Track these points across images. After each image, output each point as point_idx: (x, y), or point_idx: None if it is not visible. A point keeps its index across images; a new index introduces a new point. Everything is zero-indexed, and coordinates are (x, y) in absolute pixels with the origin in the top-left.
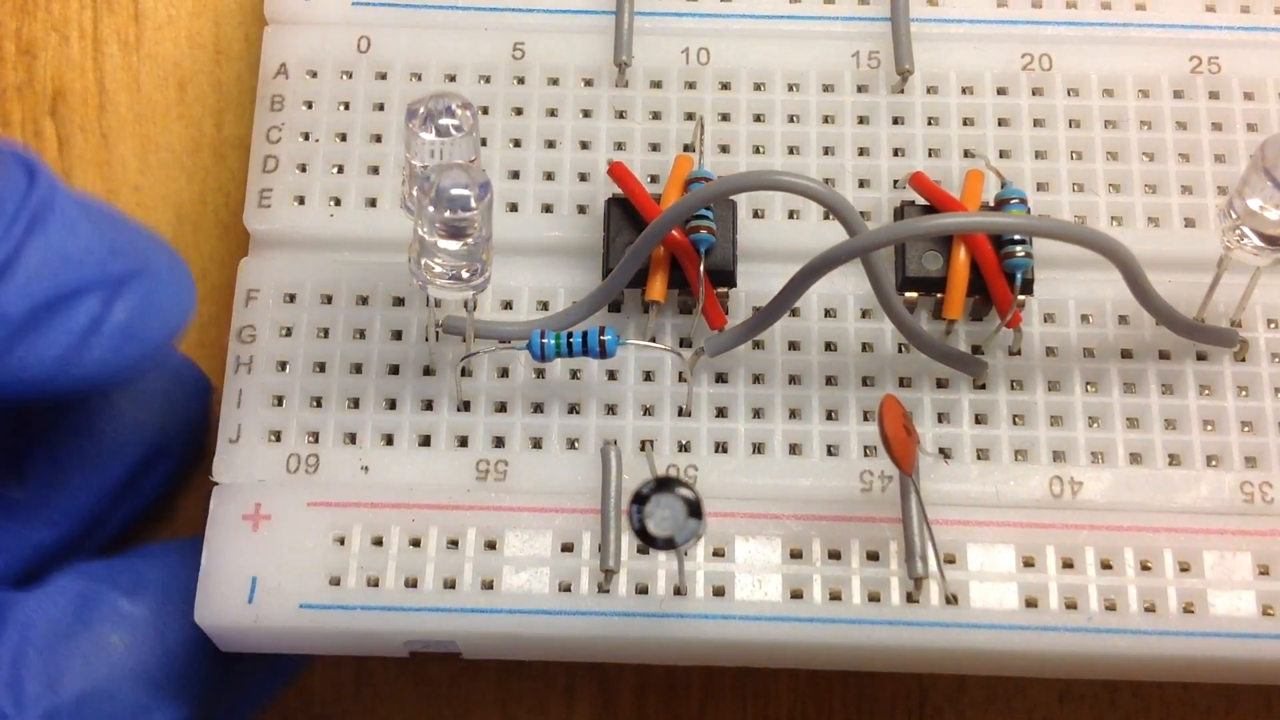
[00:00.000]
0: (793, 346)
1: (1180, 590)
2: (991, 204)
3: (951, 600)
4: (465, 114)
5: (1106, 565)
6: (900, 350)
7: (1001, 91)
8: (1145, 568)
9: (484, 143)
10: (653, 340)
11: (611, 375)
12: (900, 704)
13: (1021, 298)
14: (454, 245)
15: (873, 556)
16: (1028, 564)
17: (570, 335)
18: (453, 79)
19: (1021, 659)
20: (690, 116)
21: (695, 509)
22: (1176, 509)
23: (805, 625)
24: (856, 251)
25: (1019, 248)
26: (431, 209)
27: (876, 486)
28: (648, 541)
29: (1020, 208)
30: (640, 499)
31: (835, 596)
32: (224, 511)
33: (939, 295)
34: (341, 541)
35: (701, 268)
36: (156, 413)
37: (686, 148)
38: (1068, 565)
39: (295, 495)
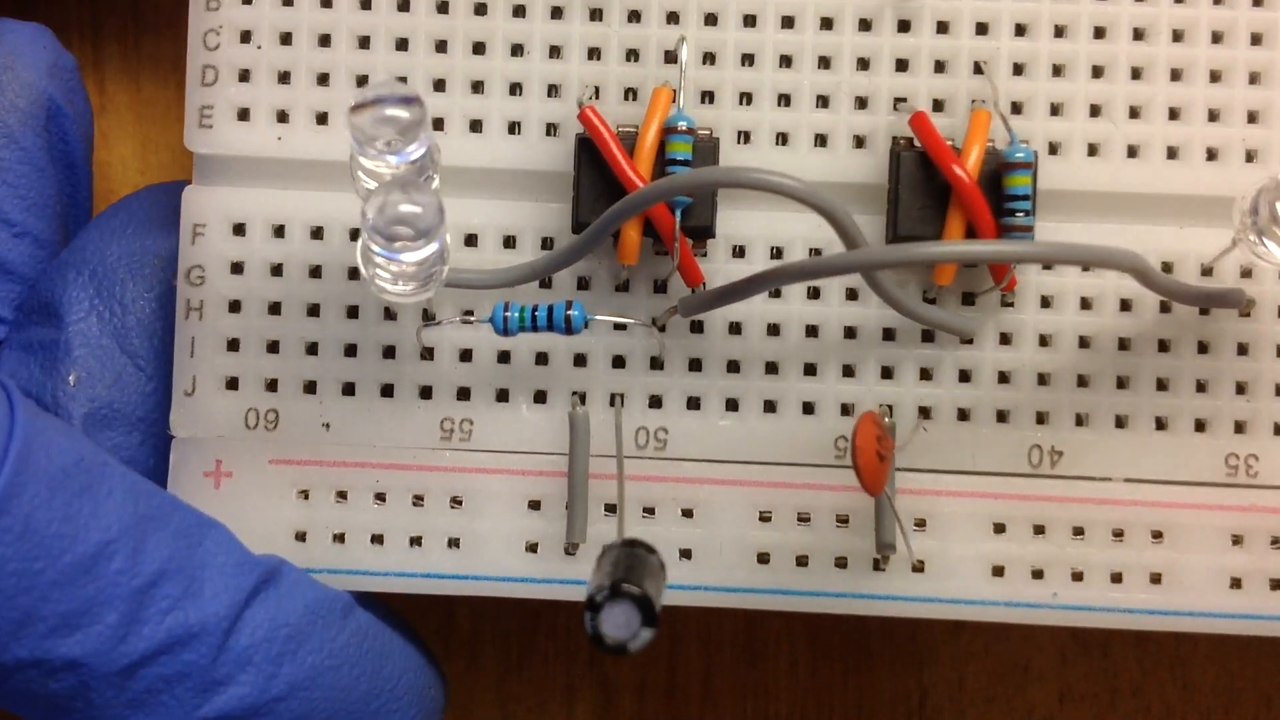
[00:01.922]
0: (774, 294)
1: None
2: (996, 147)
3: (918, 568)
4: (412, 115)
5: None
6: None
7: None
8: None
9: (443, 48)
10: (625, 286)
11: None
12: (900, 704)
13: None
14: (403, 269)
15: (843, 521)
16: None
17: (535, 309)
18: None
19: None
20: (673, 18)
21: (649, 616)
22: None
23: (768, 597)
24: (851, 269)
25: (1020, 215)
26: (379, 241)
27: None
28: (601, 647)
29: (1025, 173)
30: (593, 606)
31: (802, 562)
32: (185, 467)
33: None
34: (306, 496)
35: (678, 228)
36: None
37: (668, 57)
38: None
39: (256, 452)
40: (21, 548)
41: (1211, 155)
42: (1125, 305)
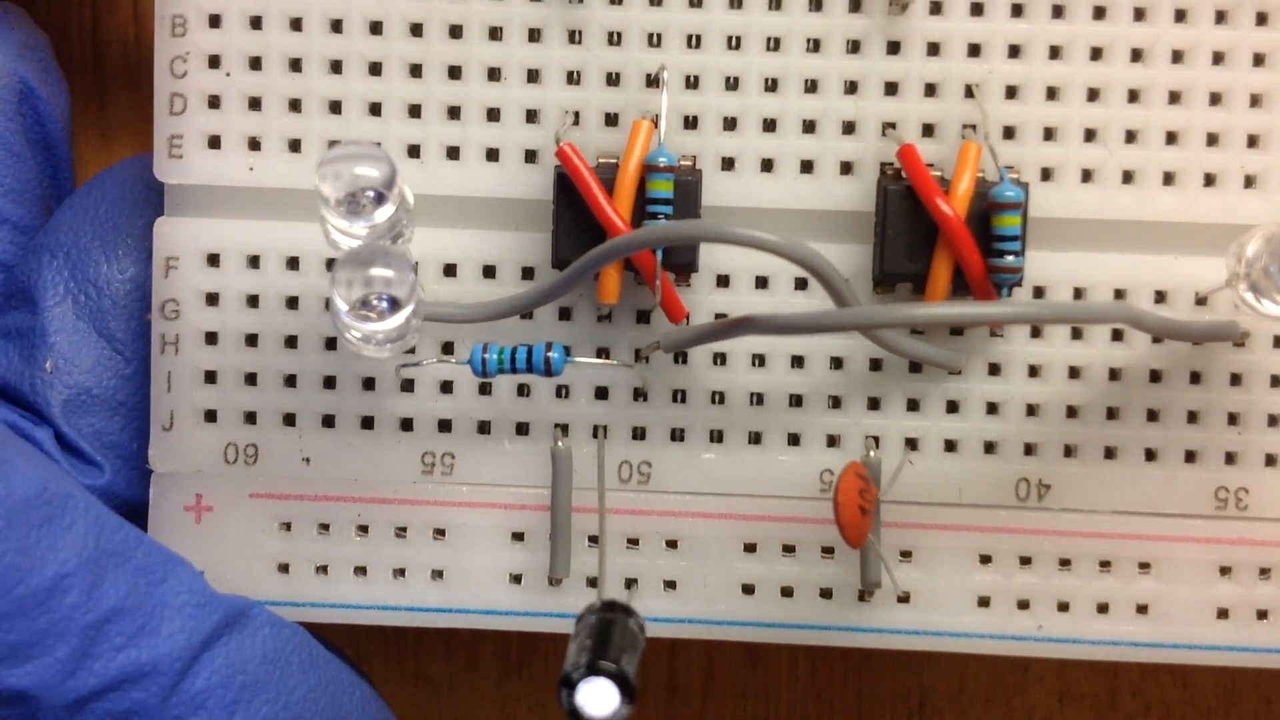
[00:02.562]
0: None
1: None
2: (987, 179)
3: (904, 599)
4: (382, 175)
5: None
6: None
7: (1017, 13)
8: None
9: (417, 72)
10: (608, 317)
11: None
12: (900, 705)
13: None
14: (369, 332)
15: (828, 552)
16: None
17: (515, 350)
18: None
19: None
20: (654, 41)
21: (628, 693)
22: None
23: (754, 629)
24: (841, 327)
25: (1009, 257)
26: (350, 320)
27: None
28: None
29: (1014, 213)
30: (569, 684)
31: (787, 594)
32: (164, 502)
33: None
34: (288, 529)
35: (659, 267)
36: None
37: (649, 81)
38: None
39: (236, 487)
40: None
41: (1209, 181)
42: (1117, 335)
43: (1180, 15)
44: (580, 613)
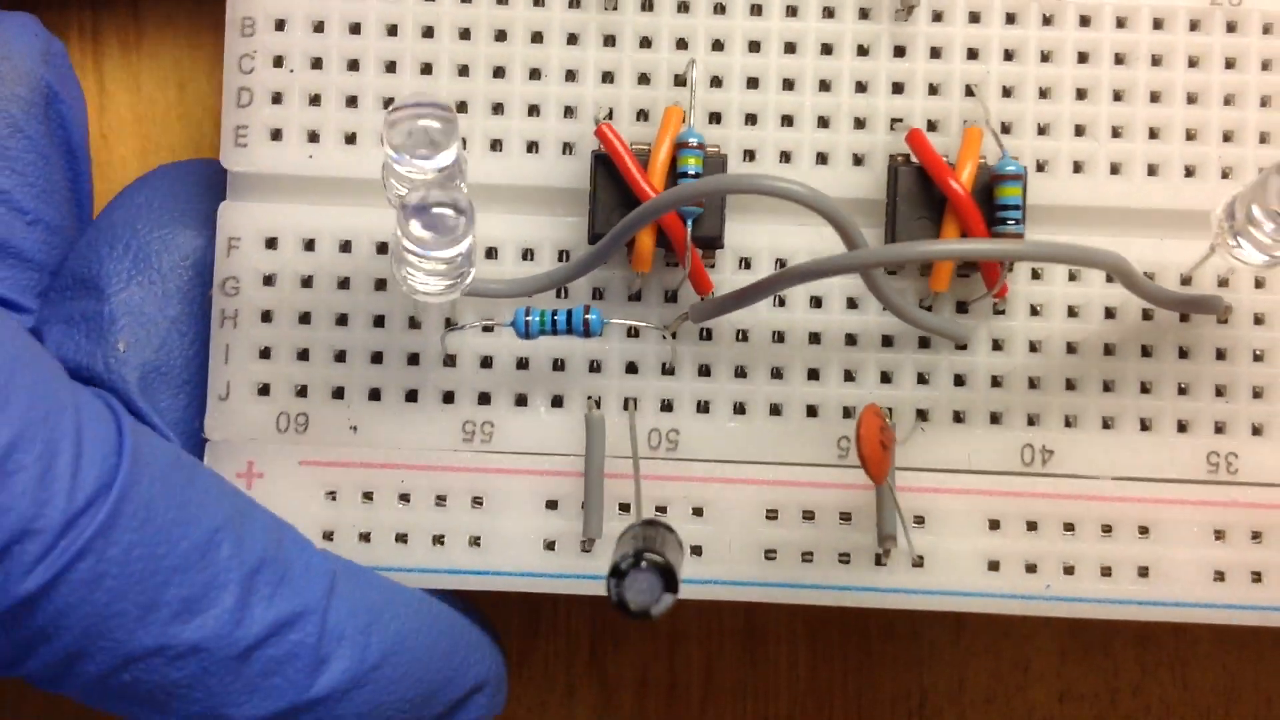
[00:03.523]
0: (778, 303)
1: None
2: (987, 163)
3: (918, 563)
4: (444, 124)
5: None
6: (884, 310)
7: (1011, 20)
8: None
9: (465, 72)
10: (638, 295)
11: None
12: (900, 704)
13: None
14: (435, 265)
15: (845, 517)
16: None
17: (555, 314)
18: None
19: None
20: (682, 44)
21: (671, 583)
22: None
23: (776, 590)
24: (855, 268)
25: (1010, 223)
26: (409, 236)
27: (854, 453)
28: (625, 613)
29: (1016, 184)
30: (618, 573)
31: (807, 558)
32: (218, 468)
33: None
34: (334, 497)
35: (689, 237)
36: None
37: (677, 80)
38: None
39: (287, 454)
40: (145, 534)
41: (1189, 172)
42: (1109, 313)
43: (1158, 23)
44: (623, 530)
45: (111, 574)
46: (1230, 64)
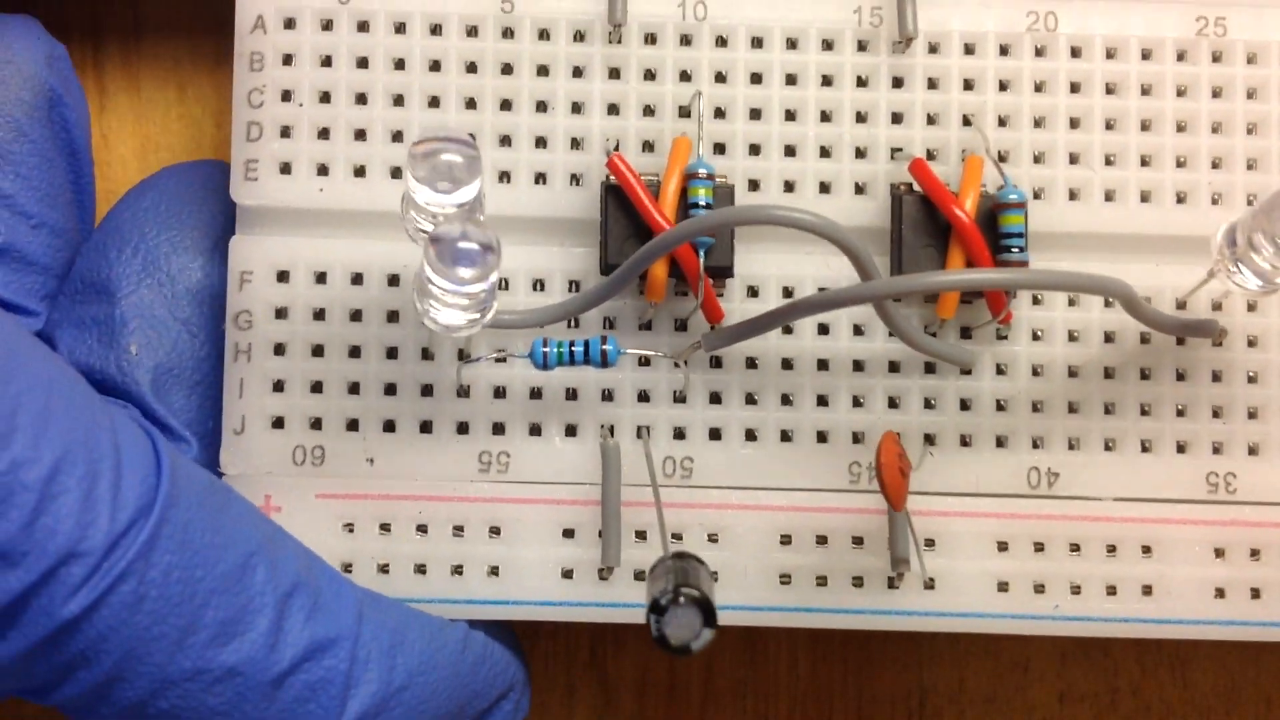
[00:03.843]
0: (786, 330)
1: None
2: (989, 191)
3: (929, 585)
4: (467, 159)
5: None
6: (890, 337)
7: (1004, 52)
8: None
9: (472, 105)
10: (648, 325)
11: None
12: (900, 705)
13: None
14: (460, 300)
15: (858, 542)
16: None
17: (573, 344)
18: (437, 30)
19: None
20: (685, 76)
21: (710, 617)
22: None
23: (791, 614)
24: (871, 298)
25: (1014, 250)
26: (438, 271)
27: (865, 478)
28: (666, 649)
29: (1019, 212)
30: (658, 609)
31: (821, 582)
32: None
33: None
34: (351, 529)
35: (701, 267)
36: None
37: (682, 111)
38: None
39: (304, 487)
40: (183, 556)
41: (1180, 198)
42: (1109, 337)
43: (1146, 54)
44: (653, 564)
45: (151, 596)
46: (1217, 93)
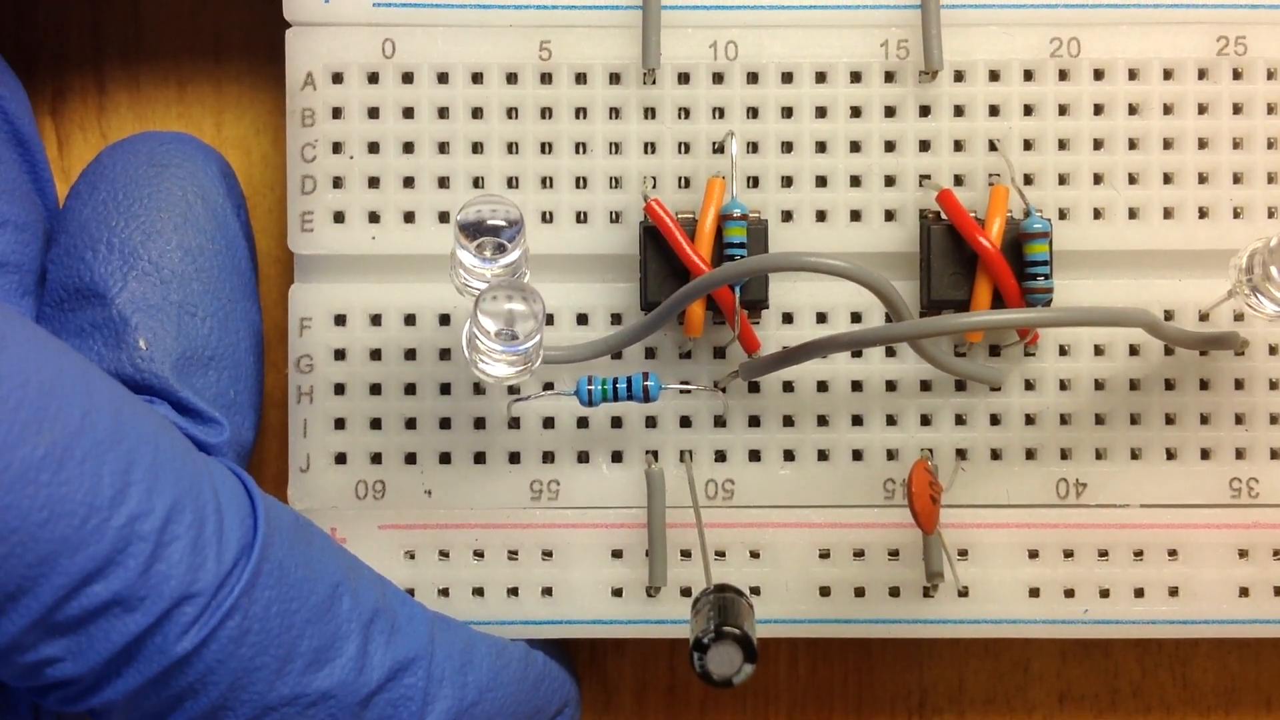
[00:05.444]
0: (821, 357)
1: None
2: (1014, 217)
3: (963, 593)
4: (511, 229)
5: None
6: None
7: (1029, 77)
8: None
9: (514, 149)
10: (688, 354)
11: None
12: (900, 705)
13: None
14: (508, 357)
15: (894, 554)
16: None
17: (616, 381)
18: (479, 79)
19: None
20: (719, 113)
21: (750, 653)
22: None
23: (832, 626)
24: (895, 340)
25: (1040, 279)
26: (485, 337)
27: (899, 494)
28: (708, 682)
29: (1043, 241)
30: (701, 647)
31: (859, 594)
32: None
33: None
34: (412, 556)
35: (737, 303)
36: None
37: (716, 147)
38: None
39: (367, 519)
40: (281, 590)
41: (1203, 214)
42: (1134, 350)
43: (1168, 73)
44: (696, 597)
45: (254, 630)
46: (1238, 109)
